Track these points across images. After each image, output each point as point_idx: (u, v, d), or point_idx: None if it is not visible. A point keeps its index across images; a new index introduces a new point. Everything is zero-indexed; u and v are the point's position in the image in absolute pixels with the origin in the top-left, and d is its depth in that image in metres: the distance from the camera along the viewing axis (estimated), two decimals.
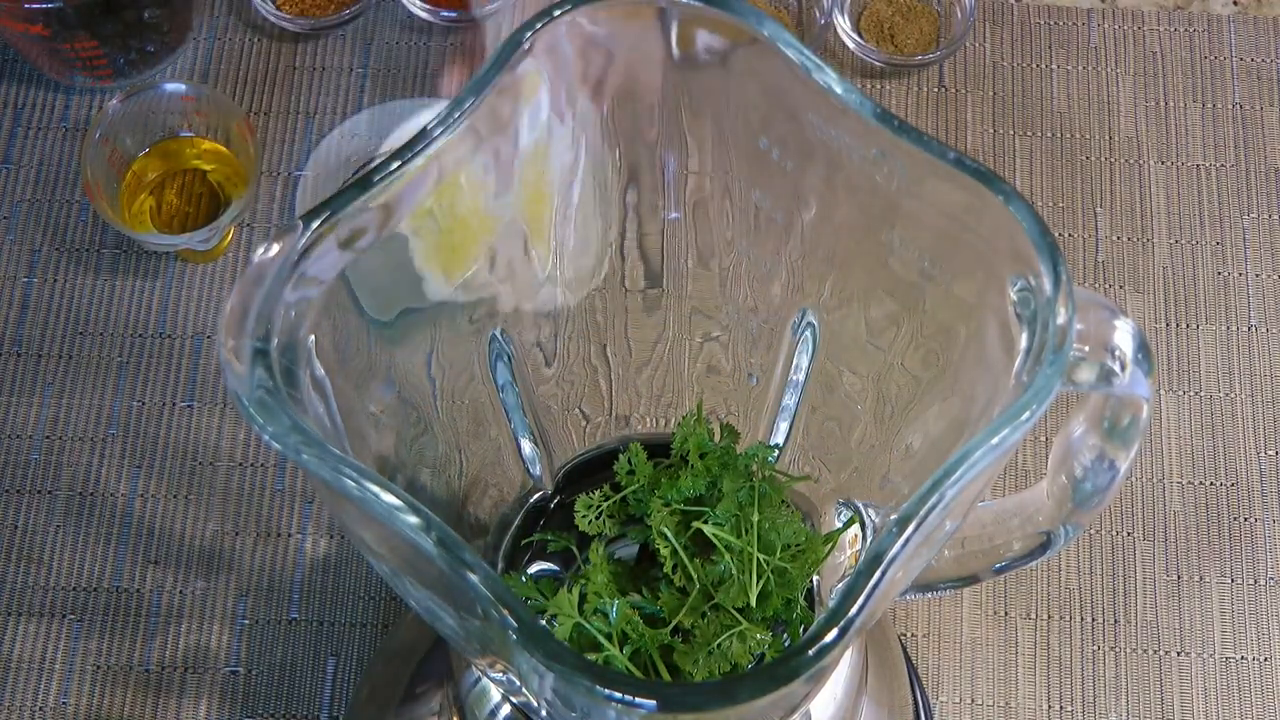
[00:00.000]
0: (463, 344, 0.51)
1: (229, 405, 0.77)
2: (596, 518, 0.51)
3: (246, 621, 0.72)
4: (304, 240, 0.41)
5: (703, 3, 0.44)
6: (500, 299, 0.50)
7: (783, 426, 0.55)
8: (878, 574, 0.38)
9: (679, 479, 0.50)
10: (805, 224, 0.49)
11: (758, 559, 0.48)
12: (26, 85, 0.84)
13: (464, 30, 0.86)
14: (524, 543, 0.54)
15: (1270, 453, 0.76)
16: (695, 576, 0.48)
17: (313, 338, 0.42)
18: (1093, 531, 0.74)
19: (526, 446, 0.55)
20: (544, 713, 0.46)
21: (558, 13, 0.44)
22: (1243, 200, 0.82)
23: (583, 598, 0.48)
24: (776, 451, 0.55)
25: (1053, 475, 0.51)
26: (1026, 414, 0.39)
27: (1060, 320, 0.40)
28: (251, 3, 0.85)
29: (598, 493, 0.52)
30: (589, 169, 0.49)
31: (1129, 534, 0.74)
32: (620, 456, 0.52)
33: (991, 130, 0.83)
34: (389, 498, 0.37)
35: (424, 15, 0.85)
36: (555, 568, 0.53)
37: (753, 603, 0.48)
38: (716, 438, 0.54)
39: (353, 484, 0.37)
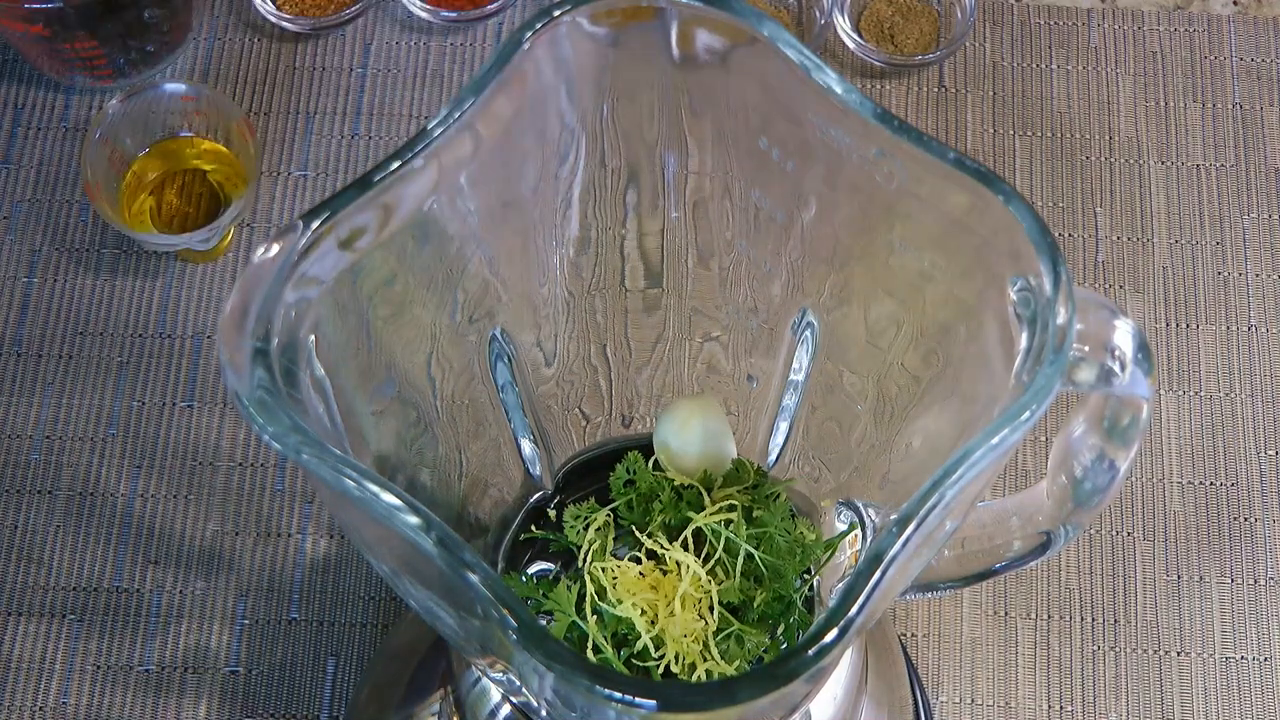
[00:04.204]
0: (463, 344, 0.51)
1: (229, 405, 0.77)
2: (584, 529, 0.51)
3: (246, 621, 0.72)
4: (304, 240, 0.41)
5: (703, 3, 0.44)
6: (500, 298, 0.50)
7: (783, 426, 0.55)
8: (878, 574, 0.38)
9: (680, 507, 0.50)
10: (805, 224, 0.49)
11: (753, 557, 0.48)
12: (26, 85, 0.84)
13: (464, 30, 0.86)
14: (523, 539, 0.54)
15: (1270, 453, 0.76)
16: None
17: (313, 338, 0.42)
18: (1093, 531, 0.74)
19: (526, 446, 0.55)
20: (544, 713, 0.46)
21: (558, 13, 0.44)
22: (1243, 200, 0.82)
23: (581, 597, 0.48)
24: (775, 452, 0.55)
25: (1053, 475, 0.50)
26: (1026, 414, 0.39)
27: (1060, 320, 0.40)
28: (251, 3, 0.85)
29: (585, 505, 0.52)
30: (589, 169, 0.49)
31: (1129, 534, 0.74)
32: (618, 467, 0.52)
33: (991, 130, 0.83)
34: (389, 498, 0.37)
35: (424, 15, 0.85)
36: (555, 567, 0.53)
37: (738, 602, 0.48)
38: None
39: (353, 484, 0.37)
